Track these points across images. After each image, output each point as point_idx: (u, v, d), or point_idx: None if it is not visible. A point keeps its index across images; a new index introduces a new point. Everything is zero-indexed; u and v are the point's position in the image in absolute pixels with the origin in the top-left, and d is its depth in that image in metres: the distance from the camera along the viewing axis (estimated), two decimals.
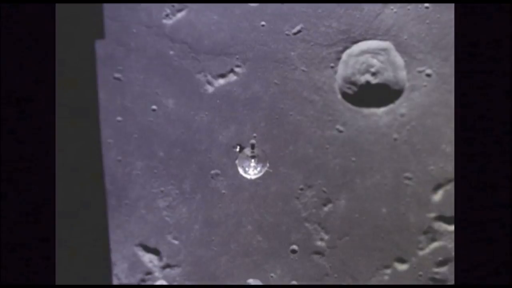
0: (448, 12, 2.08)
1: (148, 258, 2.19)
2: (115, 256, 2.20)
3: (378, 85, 2.11)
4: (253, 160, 2.09)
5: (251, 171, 2.10)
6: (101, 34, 2.18)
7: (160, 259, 2.19)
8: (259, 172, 2.10)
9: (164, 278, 2.18)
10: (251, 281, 2.13)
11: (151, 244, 2.19)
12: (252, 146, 2.10)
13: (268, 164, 2.10)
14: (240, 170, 2.11)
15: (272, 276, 2.15)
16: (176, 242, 2.19)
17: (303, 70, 2.13)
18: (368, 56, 2.12)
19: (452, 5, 2.05)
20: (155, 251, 2.19)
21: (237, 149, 2.11)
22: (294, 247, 2.14)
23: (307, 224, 2.14)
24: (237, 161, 2.11)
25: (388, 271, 2.11)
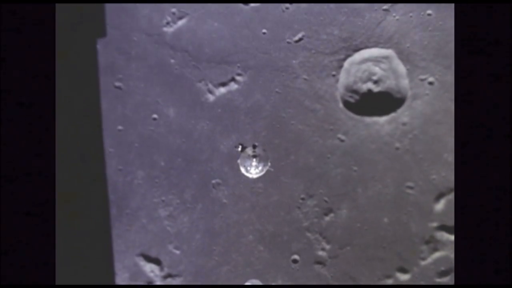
0: (450, 19, 2.07)
1: (149, 268, 2.19)
2: (116, 266, 2.20)
3: (380, 93, 2.10)
4: (254, 160, 2.09)
5: (253, 170, 2.10)
6: (102, 42, 2.17)
7: (161, 268, 2.19)
8: (261, 171, 2.10)
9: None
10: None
11: (152, 253, 2.19)
12: (254, 146, 2.10)
13: (269, 163, 2.10)
14: (242, 169, 2.11)
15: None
16: (177, 251, 2.18)
17: (304, 79, 2.12)
18: (370, 64, 2.11)
19: None
20: (156, 261, 2.19)
21: (239, 149, 2.11)
22: (296, 257, 2.14)
23: (308, 234, 2.13)
24: (239, 161, 2.11)
25: (390, 281, 2.10)
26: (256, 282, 2.13)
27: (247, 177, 2.13)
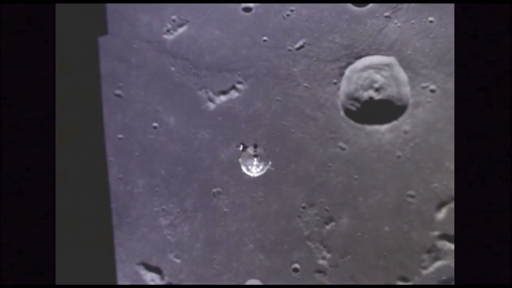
0: (452, 26, 2.05)
1: (150, 277, 2.19)
2: (117, 275, 2.20)
3: (381, 101, 2.09)
4: (255, 159, 2.09)
5: (254, 169, 2.10)
6: (102, 50, 2.16)
7: (162, 278, 2.19)
8: (262, 170, 2.10)
9: None
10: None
11: (153, 262, 2.19)
12: (255, 146, 2.10)
13: (270, 163, 2.10)
14: (243, 168, 2.11)
15: None
16: (178, 260, 2.18)
17: (305, 87, 2.11)
18: (372, 71, 2.09)
19: None
20: (157, 270, 2.19)
21: (240, 148, 2.11)
22: (296, 265, 2.14)
23: (309, 243, 2.13)
24: (240, 160, 2.11)
25: None
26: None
27: (248, 186, 2.12)
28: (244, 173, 2.10)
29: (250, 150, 2.11)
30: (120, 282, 2.19)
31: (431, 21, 2.06)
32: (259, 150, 2.10)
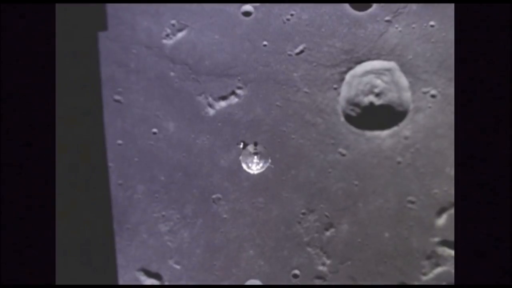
0: (453, 31, 2.04)
1: (150, 283, 2.19)
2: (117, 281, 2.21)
3: (382, 106, 2.08)
4: (255, 157, 2.09)
5: (254, 167, 2.10)
6: (102, 55, 2.15)
7: (162, 284, 2.19)
8: (262, 167, 2.10)
9: None
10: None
11: (153, 268, 2.19)
12: (255, 143, 2.09)
13: (270, 160, 2.10)
14: (244, 166, 2.12)
15: None
16: (178, 266, 2.18)
17: (305, 92, 2.10)
18: (372, 76, 2.08)
19: None
20: (157, 276, 2.19)
21: (241, 146, 2.11)
22: (296, 271, 2.14)
23: (309, 249, 2.13)
24: (240, 157, 2.11)
25: None
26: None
27: (248, 192, 2.12)
28: (244, 179, 2.10)
29: (251, 148, 2.11)
30: None
31: (432, 26, 2.05)
32: (259, 148, 2.10)
